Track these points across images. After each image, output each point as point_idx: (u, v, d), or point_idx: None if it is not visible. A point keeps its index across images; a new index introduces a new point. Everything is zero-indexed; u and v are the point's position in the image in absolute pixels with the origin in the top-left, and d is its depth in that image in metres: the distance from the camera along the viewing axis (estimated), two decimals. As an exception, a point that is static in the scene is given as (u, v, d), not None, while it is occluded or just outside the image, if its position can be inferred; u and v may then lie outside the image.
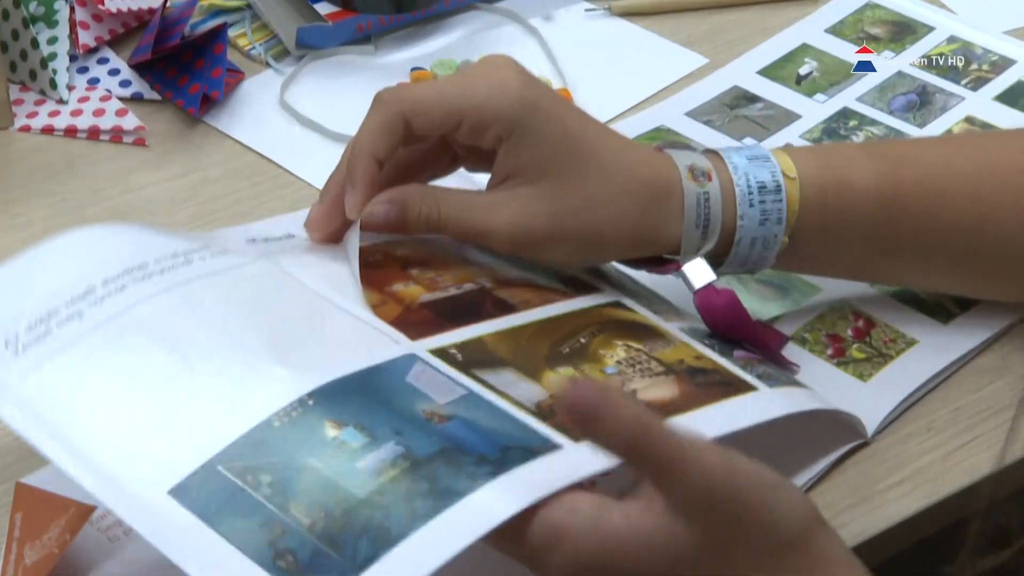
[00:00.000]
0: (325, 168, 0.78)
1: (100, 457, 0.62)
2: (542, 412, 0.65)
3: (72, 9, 1.07)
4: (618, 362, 0.70)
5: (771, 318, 0.86)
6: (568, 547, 0.59)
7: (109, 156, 1.01)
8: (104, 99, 1.04)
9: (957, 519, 0.70)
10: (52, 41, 1.05)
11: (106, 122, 1.02)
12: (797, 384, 0.73)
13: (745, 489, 0.60)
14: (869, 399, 0.80)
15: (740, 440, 0.66)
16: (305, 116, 1.03)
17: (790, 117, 1.02)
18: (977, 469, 0.79)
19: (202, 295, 0.69)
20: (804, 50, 1.08)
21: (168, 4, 1.07)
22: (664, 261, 0.78)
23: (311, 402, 0.63)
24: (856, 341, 0.85)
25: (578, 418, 0.58)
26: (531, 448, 0.62)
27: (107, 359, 0.66)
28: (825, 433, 0.74)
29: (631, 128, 0.99)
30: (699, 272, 0.76)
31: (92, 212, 0.96)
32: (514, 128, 0.73)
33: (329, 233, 0.76)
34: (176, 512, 0.60)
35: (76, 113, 1.03)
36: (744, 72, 1.06)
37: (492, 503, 0.59)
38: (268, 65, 1.08)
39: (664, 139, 0.99)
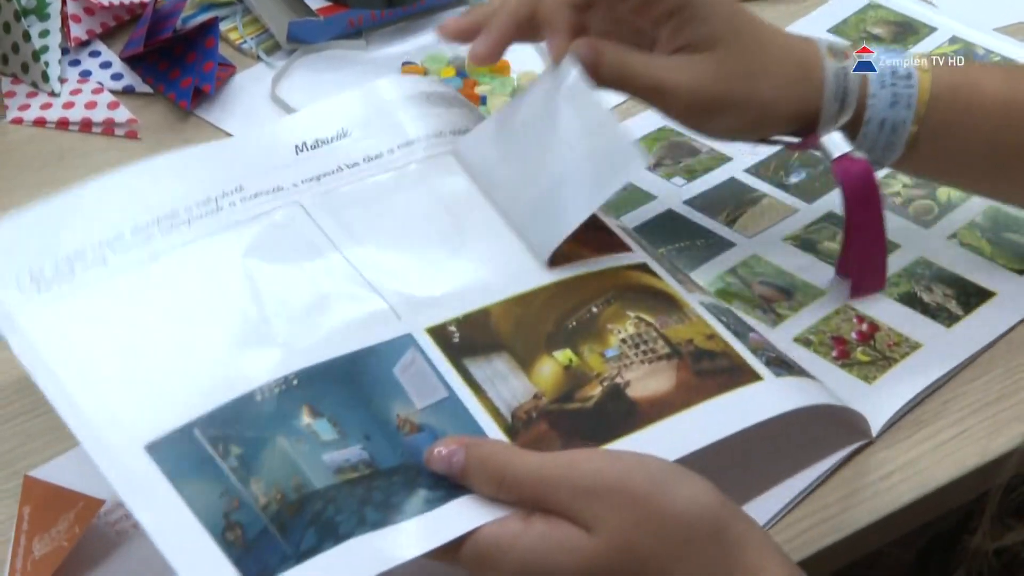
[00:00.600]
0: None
1: (89, 402, 0.64)
2: (514, 425, 0.66)
3: (64, 2, 1.07)
4: (623, 340, 0.70)
5: (776, 319, 0.87)
6: (493, 564, 0.62)
7: (101, 148, 1.01)
8: (96, 92, 1.04)
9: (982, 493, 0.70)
10: (44, 34, 1.05)
11: (98, 115, 1.02)
12: (807, 375, 0.73)
13: (634, 486, 0.62)
14: (873, 402, 0.81)
15: (746, 434, 0.67)
16: (296, 110, 1.02)
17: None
18: (965, 462, 0.80)
19: (220, 251, 0.70)
20: (806, 50, 1.08)
21: (160, -3, 1.07)
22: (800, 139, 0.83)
23: (295, 382, 0.65)
24: (860, 344, 0.85)
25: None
26: None
27: (116, 310, 0.68)
28: (830, 432, 0.74)
29: (633, 129, 0.98)
30: (836, 143, 0.82)
31: (85, 205, 0.96)
32: (687, 3, 0.79)
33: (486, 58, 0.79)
34: (147, 467, 0.62)
35: (68, 106, 1.03)
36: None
37: (434, 528, 0.62)
38: (259, 59, 1.08)
39: (668, 139, 0.98)
